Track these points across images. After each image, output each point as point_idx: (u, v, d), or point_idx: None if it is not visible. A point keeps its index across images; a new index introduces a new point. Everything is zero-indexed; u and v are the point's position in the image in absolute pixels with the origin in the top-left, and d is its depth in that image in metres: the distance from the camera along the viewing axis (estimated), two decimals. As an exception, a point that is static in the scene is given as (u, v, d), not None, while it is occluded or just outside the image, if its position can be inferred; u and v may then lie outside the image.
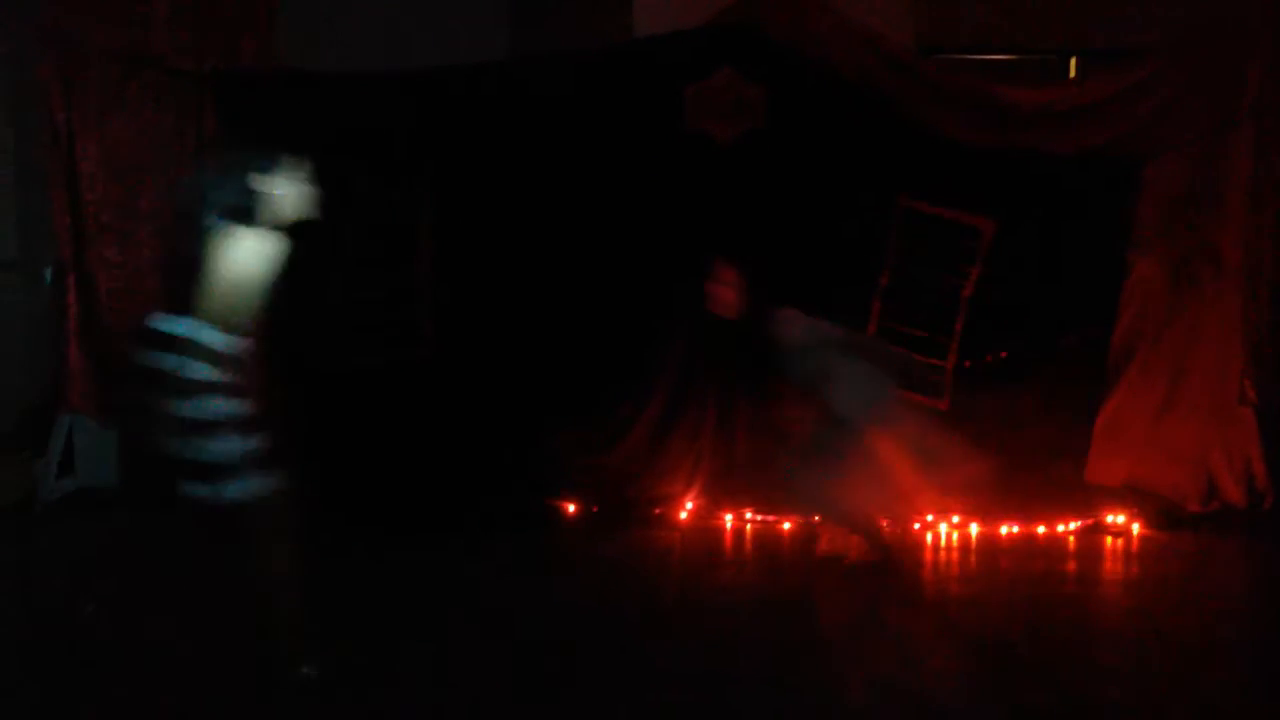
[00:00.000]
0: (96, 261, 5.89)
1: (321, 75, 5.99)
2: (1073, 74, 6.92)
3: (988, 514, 5.72)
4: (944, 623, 4.43)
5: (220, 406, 3.27)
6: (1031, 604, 4.63)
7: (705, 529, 5.76)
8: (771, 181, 5.75)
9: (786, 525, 5.78)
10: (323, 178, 6.19)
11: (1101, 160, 5.68)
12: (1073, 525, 5.73)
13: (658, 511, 5.89)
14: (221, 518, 3.34)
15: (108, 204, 5.91)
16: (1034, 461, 5.72)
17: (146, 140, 5.93)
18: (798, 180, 5.74)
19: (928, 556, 5.41)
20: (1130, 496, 5.79)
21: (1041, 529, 5.70)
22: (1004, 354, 5.82)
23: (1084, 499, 5.77)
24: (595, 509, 5.88)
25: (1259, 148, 5.73)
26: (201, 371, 3.26)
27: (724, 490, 5.89)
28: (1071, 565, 5.28)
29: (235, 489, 3.30)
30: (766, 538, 5.66)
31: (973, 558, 5.40)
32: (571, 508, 5.89)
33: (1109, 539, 5.66)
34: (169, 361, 3.27)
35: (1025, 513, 5.72)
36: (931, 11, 6.77)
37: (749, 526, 5.82)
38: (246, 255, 3.34)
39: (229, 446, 3.28)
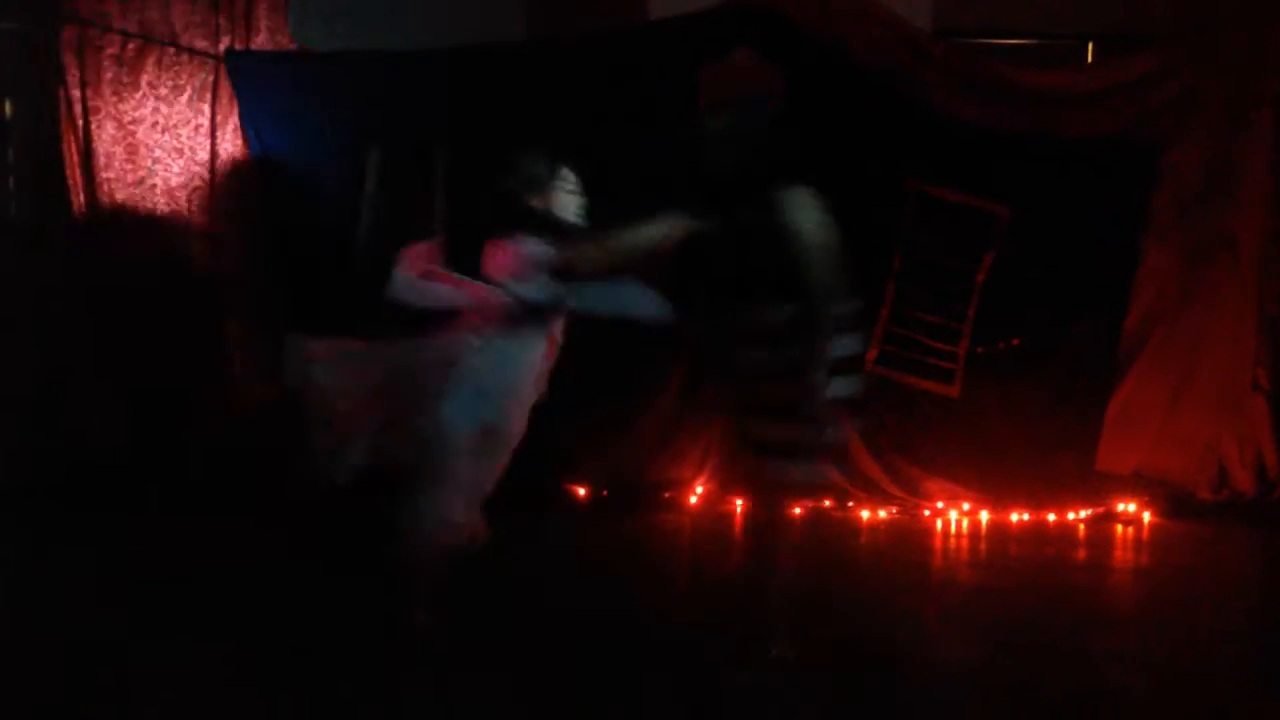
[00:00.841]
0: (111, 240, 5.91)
1: (337, 55, 5.99)
2: (1090, 59, 6.87)
3: (998, 501, 5.73)
4: (952, 608, 4.44)
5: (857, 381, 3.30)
6: (1041, 591, 4.63)
7: (715, 514, 5.78)
8: (787, 164, 5.70)
9: (796, 510, 5.79)
10: (337, 157, 6.19)
11: (1118, 147, 5.65)
12: (1083, 513, 5.74)
13: (668, 496, 5.91)
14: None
15: (122, 182, 5.93)
16: (1045, 449, 5.73)
17: (161, 118, 5.95)
18: (813, 163, 5.70)
19: (937, 543, 5.42)
20: (1141, 484, 5.80)
21: (1052, 517, 5.71)
22: (1016, 341, 5.81)
23: (1095, 487, 5.78)
24: (605, 493, 5.90)
25: (1278, 137, 5.69)
26: (849, 348, 3.31)
27: (734, 475, 5.90)
28: (1082, 553, 5.28)
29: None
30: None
31: (982, 545, 5.41)
32: (582, 491, 5.91)
33: (1119, 527, 5.67)
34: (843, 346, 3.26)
35: (1035, 500, 5.73)
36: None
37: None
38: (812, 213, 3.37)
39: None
